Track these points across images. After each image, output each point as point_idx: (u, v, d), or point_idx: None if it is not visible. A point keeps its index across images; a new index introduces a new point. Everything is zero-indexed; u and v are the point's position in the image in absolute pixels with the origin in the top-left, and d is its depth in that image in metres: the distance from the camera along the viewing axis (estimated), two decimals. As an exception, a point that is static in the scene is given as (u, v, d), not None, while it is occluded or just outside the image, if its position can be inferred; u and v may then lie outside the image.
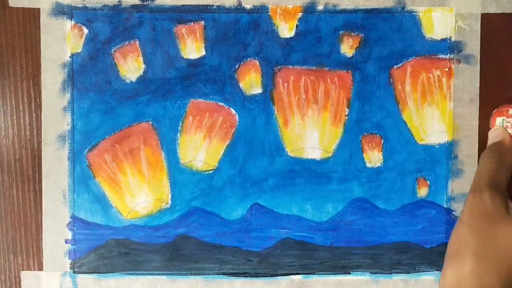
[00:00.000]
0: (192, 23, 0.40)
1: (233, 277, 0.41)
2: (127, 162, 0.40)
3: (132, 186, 0.40)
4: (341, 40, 0.40)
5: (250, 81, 0.40)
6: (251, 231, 0.41)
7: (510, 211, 0.33)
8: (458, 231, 0.34)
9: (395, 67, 0.40)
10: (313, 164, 0.40)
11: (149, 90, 0.40)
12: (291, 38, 0.40)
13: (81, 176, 0.40)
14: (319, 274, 0.41)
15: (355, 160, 0.40)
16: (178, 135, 0.40)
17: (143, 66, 0.40)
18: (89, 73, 0.40)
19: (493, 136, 0.38)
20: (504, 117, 0.38)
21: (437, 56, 0.40)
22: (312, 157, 0.40)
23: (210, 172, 0.40)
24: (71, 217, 0.40)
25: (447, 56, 0.40)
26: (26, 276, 0.40)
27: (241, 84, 0.40)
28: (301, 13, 0.40)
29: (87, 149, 0.40)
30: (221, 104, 0.40)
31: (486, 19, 0.40)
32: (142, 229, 0.40)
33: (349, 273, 0.41)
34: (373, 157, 0.41)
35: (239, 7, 0.40)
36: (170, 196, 0.40)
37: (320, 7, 0.40)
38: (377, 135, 0.40)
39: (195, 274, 0.41)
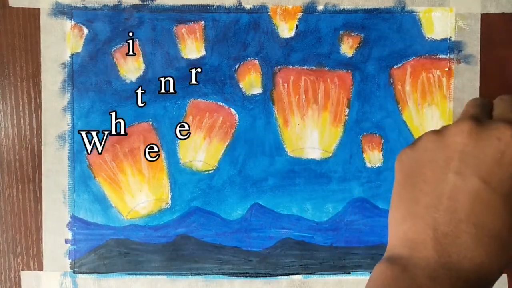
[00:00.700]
0: (192, 23, 0.40)
1: (233, 277, 0.41)
2: (127, 162, 0.40)
3: (132, 186, 0.40)
4: (341, 40, 0.40)
5: (250, 81, 0.40)
6: (251, 231, 0.41)
7: None
8: None
9: (395, 67, 0.40)
10: (313, 164, 0.40)
11: (149, 90, 0.40)
12: (291, 38, 0.40)
13: (81, 176, 0.40)
14: (319, 274, 0.41)
15: (355, 160, 0.40)
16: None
17: (143, 66, 0.40)
18: (89, 73, 0.40)
19: None
20: None
21: (437, 56, 0.40)
22: (312, 157, 0.40)
23: (210, 172, 0.40)
24: (71, 217, 0.40)
25: (447, 56, 0.40)
26: (26, 276, 0.40)
27: (241, 84, 0.40)
28: (301, 13, 0.40)
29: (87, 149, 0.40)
30: (221, 104, 0.40)
31: (486, 19, 0.40)
32: (142, 229, 0.40)
33: (349, 273, 0.41)
34: (373, 157, 0.40)
35: (239, 7, 0.40)
36: (170, 196, 0.40)
37: (320, 7, 0.40)
38: (377, 135, 0.40)
39: (195, 274, 0.40)
